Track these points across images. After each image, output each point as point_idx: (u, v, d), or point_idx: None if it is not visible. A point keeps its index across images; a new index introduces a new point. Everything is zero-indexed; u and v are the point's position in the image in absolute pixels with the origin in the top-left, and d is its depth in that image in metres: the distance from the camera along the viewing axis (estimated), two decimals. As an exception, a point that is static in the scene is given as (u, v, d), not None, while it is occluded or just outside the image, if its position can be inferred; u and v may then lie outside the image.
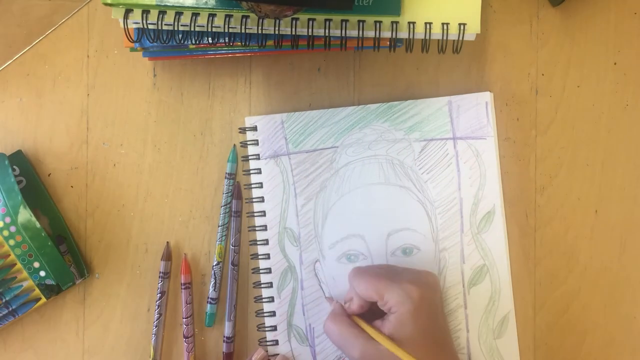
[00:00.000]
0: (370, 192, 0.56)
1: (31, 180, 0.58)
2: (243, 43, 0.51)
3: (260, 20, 0.49)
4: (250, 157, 0.58)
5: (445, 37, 0.50)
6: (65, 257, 0.57)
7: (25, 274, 0.56)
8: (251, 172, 0.58)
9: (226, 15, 0.49)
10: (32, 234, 0.55)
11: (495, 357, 0.55)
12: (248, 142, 0.58)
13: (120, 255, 0.59)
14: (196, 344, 0.58)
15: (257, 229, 0.58)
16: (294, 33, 0.50)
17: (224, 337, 0.57)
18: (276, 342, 0.57)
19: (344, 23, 0.50)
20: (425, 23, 0.50)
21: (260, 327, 0.58)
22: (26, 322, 0.59)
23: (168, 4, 0.49)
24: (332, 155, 0.57)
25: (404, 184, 0.56)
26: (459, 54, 0.51)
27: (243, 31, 0.49)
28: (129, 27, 0.49)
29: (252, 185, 0.58)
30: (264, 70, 0.59)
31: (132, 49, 0.54)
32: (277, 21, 0.49)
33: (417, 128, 0.57)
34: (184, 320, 0.58)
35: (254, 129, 0.58)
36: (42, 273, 0.56)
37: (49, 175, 0.59)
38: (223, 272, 0.58)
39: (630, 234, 0.57)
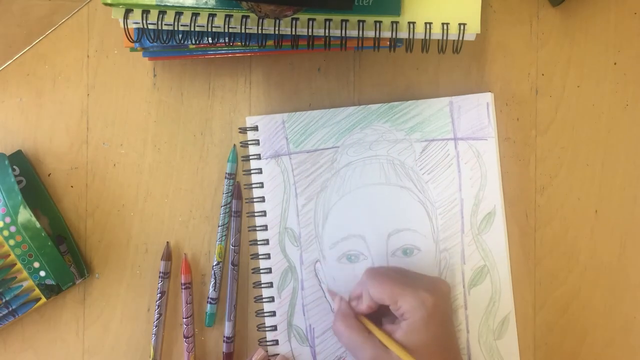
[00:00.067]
0: (371, 193, 0.56)
1: (31, 180, 0.58)
2: (243, 43, 0.51)
3: (260, 20, 0.49)
4: (251, 157, 0.58)
5: (445, 37, 0.50)
6: (65, 257, 0.57)
7: (25, 274, 0.56)
8: (252, 172, 0.58)
9: (226, 15, 0.49)
10: (32, 234, 0.55)
11: (495, 357, 0.55)
12: (249, 142, 0.58)
13: (120, 255, 0.59)
14: (196, 344, 0.58)
15: (257, 229, 0.58)
16: (294, 33, 0.50)
17: (224, 337, 0.57)
18: (276, 342, 0.57)
19: (344, 23, 0.50)
20: (425, 23, 0.50)
21: (260, 327, 0.58)
22: (26, 322, 0.59)
23: (168, 4, 0.49)
24: (333, 155, 0.57)
25: (405, 184, 0.56)
26: (459, 54, 0.51)
27: (243, 31, 0.49)
28: (129, 27, 0.49)
29: (253, 185, 0.58)
30: (264, 70, 0.59)
31: (132, 49, 0.54)
32: (277, 21, 0.49)
33: (418, 128, 0.57)
34: (184, 320, 0.58)
35: (255, 128, 0.58)
36: (42, 273, 0.56)
37: (49, 175, 0.59)
38: (223, 272, 0.58)
39: (630, 234, 0.57)
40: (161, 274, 0.58)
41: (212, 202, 0.59)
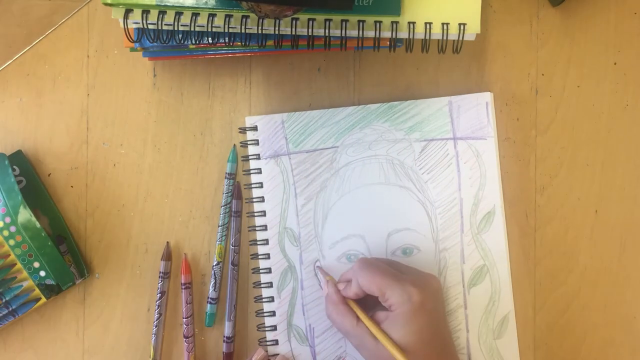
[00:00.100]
0: (371, 192, 0.56)
1: (31, 180, 0.58)
2: (243, 43, 0.51)
3: (260, 20, 0.49)
4: (250, 157, 0.58)
5: (445, 37, 0.50)
6: (65, 257, 0.57)
7: (25, 274, 0.56)
8: (251, 172, 0.58)
9: (226, 15, 0.49)
10: (32, 234, 0.55)
11: (495, 357, 0.55)
12: (248, 142, 0.58)
13: (120, 255, 0.59)
14: (196, 344, 0.58)
15: (257, 229, 0.58)
16: (294, 33, 0.50)
17: (224, 337, 0.57)
18: (276, 342, 0.57)
19: (344, 23, 0.50)
20: (425, 23, 0.50)
21: (260, 327, 0.58)
22: (26, 322, 0.59)
23: (168, 4, 0.49)
24: (333, 155, 0.57)
25: (404, 184, 0.56)
26: (459, 54, 0.51)
27: (243, 31, 0.49)
28: (129, 27, 0.49)
29: (252, 185, 0.58)
30: (264, 70, 0.59)
31: (132, 49, 0.54)
32: (277, 21, 0.49)
33: (417, 128, 0.57)
34: (184, 320, 0.58)
35: (255, 128, 0.58)
36: (42, 273, 0.56)
37: (49, 175, 0.59)
38: (223, 272, 0.58)
39: (630, 234, 0.57)
40: (161, 274, 0.58)
41: (212, 202, 0.59)
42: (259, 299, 0.57)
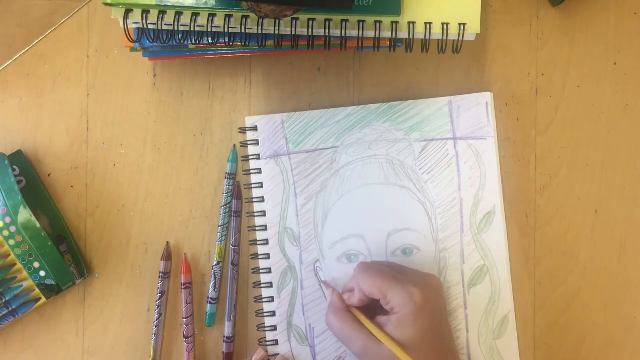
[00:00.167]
0: (371, 192, 0.56)
1: (31, 180, 0.58)
2: (243, 43, 0.51)
3: (260, 20, 0.49)
4: (250, 157, 0.58)
5: (445, 37, 0.50)
6: (65, 257, 0.57)
7: (25, 274, 0.56)
8: (251, 172, 0.58)
9: (226, 15, 0.49)
10: (32, 234, 0.55)
11: (495, 357, 0.55)
12: (248, 142, 0.58)
13: (120, 255, 0.59)
14: (196, 344, 0.58)
15: (257, 229, 0.58)
16: (294, 33, 0.50)
17: (224, 337, 0.57)
18: (276, 342, 0.57)
19: (344, 23, 0.50)
20: (425, 23, 0.50)
21: (260, 327, 0.58)
22: (26, 322, 0.59)
23: (168, 4, 0.49)
24: (333, 155, 0.57)
25: (404, 184, 0.56)
26: (459, 54, 0.51)
27: (243, 31, 0.49)
28: (129, 27, 0.49)
29: (252, 185, 0.58)
30: (264, 70, 0.59)
31: (132, 49, 0.54)
32: (277, 21, 0.49)
33: (417, 128, 0.57)
34: (184, 320, 0.58)
35: (255, 128, 0.58)
36: (42, 273, 0.56)
37: (49, 175, 0.59)
38: (223, 272, 0.58)
39: (630, 234, 0.57)
40: (161, 274, 0.58)
41: (212, 202, 0.59)
42: (259, 299, 0.57)
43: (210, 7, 0.49)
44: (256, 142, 0.58)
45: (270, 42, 0.52)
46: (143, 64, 0.59)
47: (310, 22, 0.49)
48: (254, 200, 0.58)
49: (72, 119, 0.59)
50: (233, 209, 0.58)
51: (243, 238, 0.58)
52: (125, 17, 0.49)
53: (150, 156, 0.59)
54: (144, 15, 0.49)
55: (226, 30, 0.49)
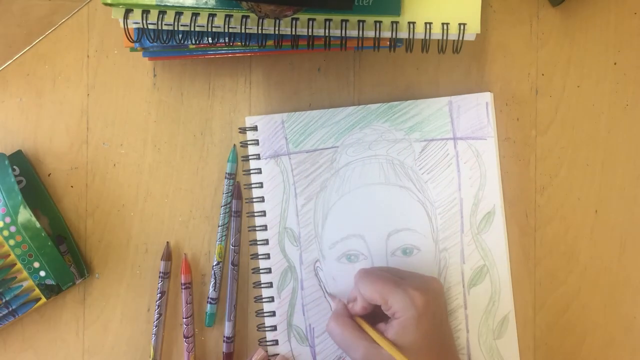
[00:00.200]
0: (371, 192, 0.56)
1: (31, 180, 0.58)
2: (243, 43, 0.51)
3: (260, 20, 0.49)
4: (250, 157, 0.58)
5: (445, 37, 0.50)
6: (65, 257, 0.57)
7: (25, 274, 0.56)
8: (251, 172, 0.58)
9: (226, 15, 0.49)
10: (32, 234, 0.55)
11: (495, 357, 0.55)
12: (248, 142, 0.58)
13: (120, 255, 0.59)
14: (196, 344, 0.58)
15: (257, 229, 0.58)
16: (294, 33, 0.50)
17: (224, 337, 0.57)
18: (276, 342, 0.57)
19: (344, 23, 0.50)
20: (425, 23, 0.50)
21: (260, 327, 0.58)
22: (26, 322, 0.59)
23: (168, 4, 0.49)
24: (333, 155, 0.57)
25: (404, 184, 0.56)
26: (459, 54, 0.51)
27: (243, 31, 0.49)
28: (129, 27, 0.49)
29: (252, 185, 0.58)
30: (264, 70, 0.59)
31: (132, 49, 0.54)
32: (277, 21, 0.49)
33: (417, 128, 0.57)
34: (184, 320, 0.58)
35: (254, 128, 0.58)
36: (42, 273, 0.56)
37: (49, 175, 0.59)
38: (223, 272, 0.58)
39: (630, 234, 0.57)
40: (161, 274, 0.58)
41: (212, 202, 0.59)
42: (259, 299, 0.57)
43: (210, 7, 0.49)
44: (256, 142, 0.58)
45: (270, 42, 0.52)
46: (143, 64, 0.59)
47: (310, 22, 0.49)
48: (254, 200, 0.58)
49: (72, 119, 0.59)
50: (233, 209, 0.58)
51: (243, 238, 0.58)
52: (125, 17, 0.49)
53: (150, 156, 0.59)
54: (144, 15, 0.49)
55: (226, 30, 0.49)
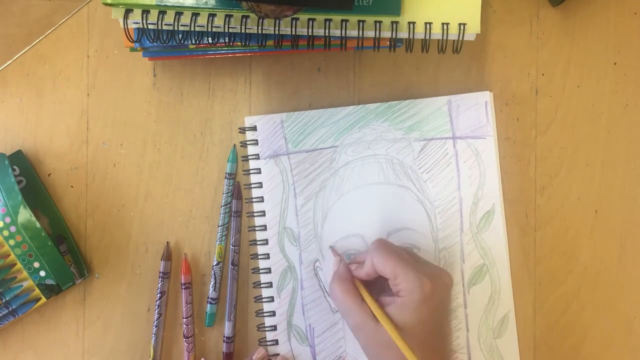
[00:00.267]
0: (370, 192, 0.56)
1: (31, 180, 0.58)
2: (243, 43, 0.51)
3: (260, 20, 0.49)
4: (249, 157, 0.58)
5: (445, 37, 0.50)
6: (65, 257, 0.57)
7: (25, 274, 0.56)
8: (251, 172, 0.58)
9: (226, 15, 0.49)
10: (32, 234, 0.55)
11: (495, 356, 0.55)
12: (248, 142, 0.58)
13: (120, 255, 0.59)
14: (196, 344, 0.58)
15: (256, 229, 0.58)
16: (294, 33, 0.50)
17: (224, 337, 0.57)
18: (276, 342, 0.57)
19: (344, 23, 0.50)
20: (425, 23, 0.50)
21: (260, 327, 0.58)
22: (26, 322, 0.59)
23: (168, 4, 0.49)
24: (332, 154, 0.57)
25: (404, 183, 0.56)
26: (459, 54, 0.51)
27: (243, 31, 0.49)
28: (129, 27, 0.50)
29: (252, 185, 0.58)
30: (264, 70, 0.59)
31: (132, 49, 0.54)
32: (277, 21, 0.49)
33: (416, 127, 0.57)
34: (184, 320, 0.58)
35: (254, 128, 0.58)
36: (42, 273, 0.56)
37: (49, 175, 0.59)
38: (223, 272, 0.58)
39: (630, 234, 0.57)
40: (161, 274, 0.58)
41: (212, 202, 0.59)
42: (259, 299, 0.57)
43: (210, 7, 0.49)
44: (255, 142, 0.58)
45: (270, 42, 0.52)
46: (143, 64, 0.59)
47: (310, 22, 0.50)
48: (254, 200, 0.58)
49: (72, 119, 0.59)
50: (233, 209, 0.58)
51: (243, 238, 0.58)
52: (125, 17, 0.49)
53: (150, 156, 0.59)
54: (144, 15, 0.49)
55: (226, 30, 0.49)
